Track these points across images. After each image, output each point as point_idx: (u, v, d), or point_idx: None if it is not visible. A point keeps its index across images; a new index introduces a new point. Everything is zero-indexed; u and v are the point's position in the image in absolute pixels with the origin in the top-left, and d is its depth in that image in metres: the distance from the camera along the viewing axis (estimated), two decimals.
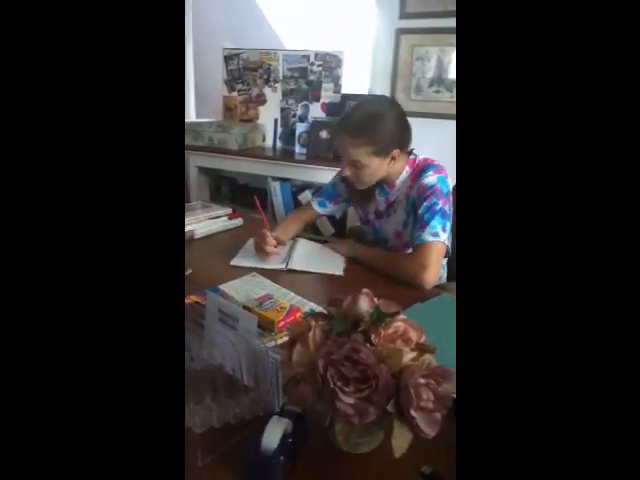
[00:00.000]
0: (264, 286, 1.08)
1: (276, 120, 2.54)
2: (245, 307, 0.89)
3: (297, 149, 2.40)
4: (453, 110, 1.99)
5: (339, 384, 0.51)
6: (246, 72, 2.60)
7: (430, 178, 1.19)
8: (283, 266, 1.24)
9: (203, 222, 1.49)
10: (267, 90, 2.58)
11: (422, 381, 0.51)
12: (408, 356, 0.54)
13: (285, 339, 0.86)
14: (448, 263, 1.40)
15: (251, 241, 1.36)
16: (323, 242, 1.45)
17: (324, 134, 2.29)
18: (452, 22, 1.93)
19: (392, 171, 1.24)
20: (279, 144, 2.56)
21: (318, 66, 2.40)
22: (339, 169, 1.40)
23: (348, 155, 1.19)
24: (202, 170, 2.63)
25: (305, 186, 2.43)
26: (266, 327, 0.86)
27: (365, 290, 0.62)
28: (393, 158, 1.20)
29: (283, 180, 2.41)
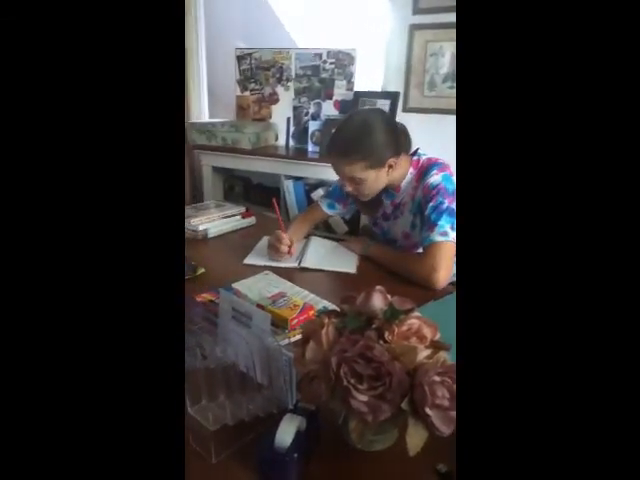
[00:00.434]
0: (277, 284, 1.07)
1: (289, 119, 2.54)
2: (258, 305, 0.89)
3: (310, 147, 2.40)
4: None
5: (352, 381, 0.51)
6: (259, 71, 2.60)
7: (434, 177, 1.18)
8: (296, 264, 1.24)
9: (217, 221, 1.50)
10: (279, 89, 2.58)
11: (437, 379, 0.50)
12: (422, 353, 0.53)
13: (298, 337, 0.85)
14: None
15: (264, 240, 1.37)
16: (337, 240, 1.45)
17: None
18: None
19: (394, 177, 1.24)
20: (292, 143, 2.56)
21: (331, 64, 2.39)
22: None
23: (343, 174, 1.20)
24: (216, 170, 2.64)
25: (318, 184, 2.42)
26: (279, 325, 0.86)
27: (378, 287, 0.61)
28: (390, 167, 1.19)
29: (296, 179, 2.40)
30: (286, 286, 1.07)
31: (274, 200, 1.35)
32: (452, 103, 2.07)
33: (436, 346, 0.56)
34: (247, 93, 2.67)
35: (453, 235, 1.12)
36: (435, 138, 1.66)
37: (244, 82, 2.66)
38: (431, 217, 1.15)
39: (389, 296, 0.61)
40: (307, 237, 1.44)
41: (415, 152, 1.29)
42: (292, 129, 2.56)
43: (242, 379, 0.63)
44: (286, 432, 0.55)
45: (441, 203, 1.15)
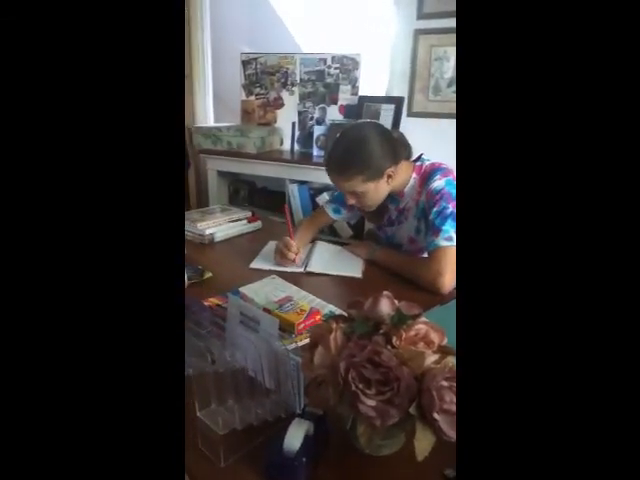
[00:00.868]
0: (284, 288, 1.08)
1: (294, 123, 2.56)
2: (265, 309, 0.89)
3: (315, 152, 2.41)
4: None
5: (361, 386, 0.51)
6: (264, 76, 2.62)
7: (437, 182, 1.19)
8: (302, 269, 1.25)
9: (223, 225, 1.51)
10: (284, 93, 2.60)
11: (445, 384, 0.50)
12: (430, 358, 0.53)
13: (305, 341, 0.86)
14: None
15: (270, 244, 1.37)
16: (342, 244, 1.46)
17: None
18: None
19: (396, 184, 1.25)
20: (297, 147, 2.58)
21: (335, 69, 2.40)
22: None
23: (343, 189, 1.22)
24: (221, 174, 2.66)
25: (323, 188, 2.43)
26: (286, 329, 0.87)
27: (386, 292, 0.61)
28: (389, 176, 1.20)
29: (301, 183, 2.41)
30: (292, 290, 1.07)
31: (285, 207, 1.36)
32: None
33: (443, 351, 0.56)
34: (252, 97, 2.68)
35: None
36: (439, 142, 1.66)
37: (249, 87, 2.68)
38: (435, 222, 1.16)
39: (396, 301, 0.61)
40: (312, 241, 1.44)
41: (419, 158, 1.29)
42: (297, 134, 2.57)
43: (250, 383, 0.63)
44: (295, 437, 0.55)
45: (445, 208, 1.15)
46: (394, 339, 0.55)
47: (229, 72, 2.78)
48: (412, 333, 0.56)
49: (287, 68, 2.55)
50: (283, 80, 2.58)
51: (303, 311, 0.91)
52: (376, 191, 1.20)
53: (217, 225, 1.49)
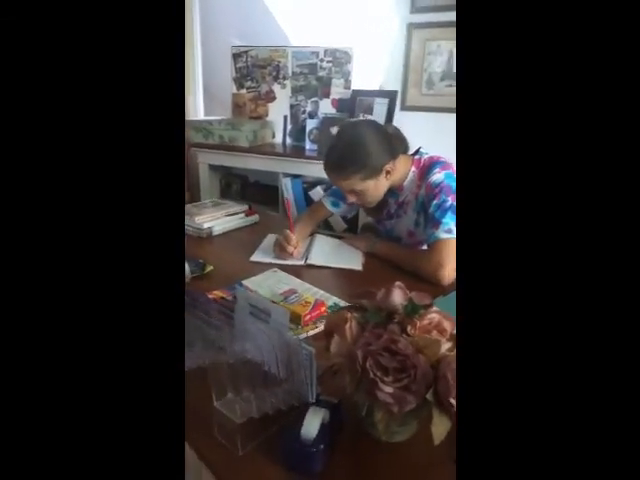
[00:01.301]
0: (287, 281, 1.09)
1: (285, 117, 2.55)
2: (271, 302, 0.90)
3: (308, 145, 2.41)
4: None
5: (379, 374, 0.52)
6: (255, 69, 2.61)
7: (437, 176, 1.20)
8: (302, 262, 1.25)
9: (220, 219, 1.51)
10: (276, 87, 2.59)
11: None
12: (445, 346, 0.55)
13: (311, 333, 0.87)
14: None
15: (270, 237, 1.38)
16: (339, 237, 1.47)
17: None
18: None
19: (395, 179, 1.26)
20: (289, 141, 2.57)
21: (328, 62, 2.40)
22: None
23: (342, 187, 1.23)
24: (212, 168, 2.64)
25: (316, 182, 2.43)
26: (292, 321, 0.88)
27: (398, 283, 0.63)
28: (388, 172, 1.21)
29: (294, 176, 2.41)
30: (295, 283, 1.08)
31: (287, 200, 1.36)
32: (450, 101, 2.09)
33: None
34: (243, 91, 2.67)
35: None
36: (433, 136, 1.68)
37: (240, 80, 2.67)
38: (435, 215, 1.17)
39: (408, 292, 0.62)
40: (311, 235, 1.45)
41: (417, 151, 1.31)
42: (289, 127, 2.57)
43: (264, 373, 0.64)
44: (312, 424, 0.56)
45: (444, 201, 1.17)
46: (409, 328, 0.57)
47: (219, 65, 2.76)
48: (426, 322, 0.58)
49: (279, 61, 2.54)
50: (275, 73, 2.57)
51: (308, 303, 0.92)
52: (376, 188, 1.22)
53: (215, 219, 1.49)
